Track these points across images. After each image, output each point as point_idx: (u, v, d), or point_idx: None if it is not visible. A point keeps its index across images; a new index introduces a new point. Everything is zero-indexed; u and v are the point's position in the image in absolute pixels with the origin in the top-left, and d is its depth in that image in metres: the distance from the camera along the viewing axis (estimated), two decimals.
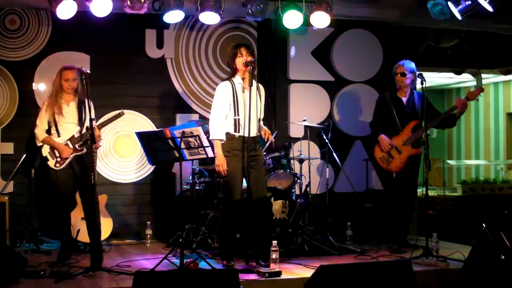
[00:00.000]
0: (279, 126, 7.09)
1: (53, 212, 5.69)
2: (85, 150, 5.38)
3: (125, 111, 5.55)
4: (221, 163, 5.11)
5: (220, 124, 5.18)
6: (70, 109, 5.44)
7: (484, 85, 10.39)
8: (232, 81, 5.25)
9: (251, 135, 5.07)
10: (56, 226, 5.59)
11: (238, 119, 5.17)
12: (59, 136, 5.41)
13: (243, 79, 5.23)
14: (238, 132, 5.18)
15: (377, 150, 6.00)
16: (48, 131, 5.45)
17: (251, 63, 5.08)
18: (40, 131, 5.43)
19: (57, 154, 5.38)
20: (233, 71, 5.26)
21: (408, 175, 5.91)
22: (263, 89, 5.41)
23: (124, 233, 6.76)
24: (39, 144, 5.45)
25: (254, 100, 5.10)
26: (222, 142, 5.15)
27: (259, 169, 5.22)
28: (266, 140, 5.29)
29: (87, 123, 5.32)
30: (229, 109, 5.19)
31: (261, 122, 5.36)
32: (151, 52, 6.94)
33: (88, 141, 5.32)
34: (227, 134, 5.20)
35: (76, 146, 5.39)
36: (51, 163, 5.38)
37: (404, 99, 5.98)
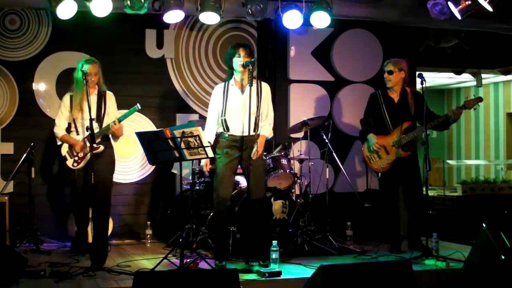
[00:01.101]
0: (278, 126, 7.09)
1: (72, 210, 5.89)
2: (102, 147, 5.35)
3: (139, 106, 5.43)
4: (204, 163, 5.33)
5: (209, 127, 5.32)
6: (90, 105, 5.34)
7: (484, 85, 10.41)
8: (227, 82, 5.31)
9: (242, 135, 5.11)
10: (76, 224, 5.79)
11: (225, 119, 5.21)
12: (77, 134, 5.43)
13: (241, 79, 5.23)
14: (228, 131, 5.21)
15: (365, 149, 5.98)
16: (68, 129, 5.47)
17: (251, 63, 5.07)
18: (59, 130, 5.46)
19: (75, 153, 5.38)
20: (231, 71, 5.28)
21: (406, 177, 5.85)
22: (267, 88, 5.37)
23: (124, 233, 6.76)
24: (59, 143, 5.46)
25: (250, 101, 5.07)
26: (210, 144, 5.20)
27: (256, 170, 5.21)
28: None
29: (105, 120, 5.38)
30: (219, 110, 5.27)
31: (264, 128, 5.29)
32: (151, 52, 6.94)
33: (108, 137, 5.36)
34: (218, 134, 5.29)
35: (94, 144, 5.29)
36: (69, 162, 5.40)
37: (396, 98, 5.91)
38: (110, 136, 5.49)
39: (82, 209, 5.58)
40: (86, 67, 5.30)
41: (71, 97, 5.44)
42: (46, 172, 6.61)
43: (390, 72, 5.85)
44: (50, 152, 6.55)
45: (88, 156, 5.34)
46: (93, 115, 5.28)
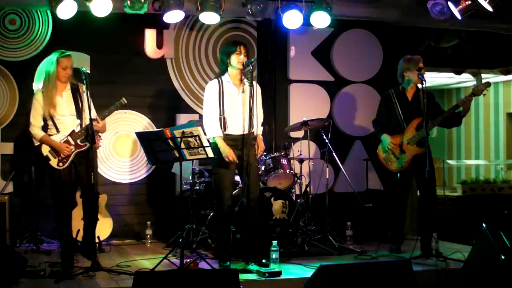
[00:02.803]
0: (278, 126, 7.11)
1: (54, 214, 5.30)
2: (88, 145, 5.13)
3: (125, 100, 5.32)
4: (227, 153, 5.04)
5: (215, 123, 5.15)
6: (64, 101, 5.19)
7: None
8: (220, 79, 5.21)
9: (239, 134, 5.10)
10: (57, 229, 5.31)
11: (224, 117, 5.15)
12: (58, 131, 5.16)
13: (238, 77, 5.20)
14: (225, 130, 5.16)
15: (381, 151, 5.91)
16: (45, 127, 5.18)
17: (251, 63, 5.05)
18: (36, 130, 5.14)
19: (59, 153, 5.15)
20: (225, 68, 5.20)
21: (419, 174, 5.68)
22: (259, 89, 5.32)
23: (124, 233, 6.76)
24: (36, 143, 5.17)
25: (248, 100, 5.06)
26: (222, 137, 5.10)
27: (253, 169, 5.16)
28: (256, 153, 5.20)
29: (86, 115, 5.11)
30: (216, 107, 5.17)
31: (259, 129, 5.28)
32: (151, 52, 6.94)
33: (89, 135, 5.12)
34: None
35: (78, 141, 5.16)
36: (53, 162, 5.13)
37: (410, 97, 5.83)
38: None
39: (68, 213, 5.25)
40: (62, 60, 5.12)
41: (43, 93, 5.16)
42: (45, 172, 6.60)
43: (421, 68, 5.72)
44: None
45: (73, 155, 5.15)
46: (71, 112, 5.16)
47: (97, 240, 5.18)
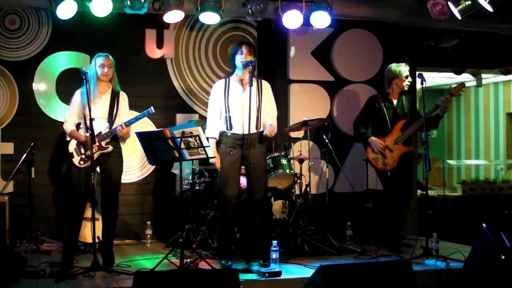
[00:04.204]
0: (278, 126, 7.09)
1: (66, 211, 5.36)
2: (110, 148, 5.21)
3: (153, 109, 5.27)
4: (215, 160, 5.29)
5: (212, 123, 5.31)
6: (101, 103, 5.27)
7: (484, 85, 10.40)
8: (228, 78, 5.32)
9: (246, 133, 5.11)
10: (64, 226, 5.29)
11: (229, 116, 5.22)
12: (87, 131, 5.17)
13: (242, 77, 5.24)
14: (231, 129, 5.22)
15: (369, 152, 6.03)
16: (78, 126, 5.31)
17: (251, 63, 5.08)
18: (67, 125, 5.29)
19: (83, 151, 5.20)
20: (233, 68, 5.30)
21: (403, 174, 5.95)
22: (267, 87, 5.38)
23: (124, 233, 6.75)
24: (68, 138, 5.30)
25: (250, 99, 5.09)
26: (216, 139, 5.30)
27: (257, 170, 5.20)
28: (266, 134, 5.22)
29: (117, 121, 5.26)
30: (221, 107, 5.26)
31: (271, 120, 5.32)
32: (151, 52, 6.94)
33: (117, 137, 5.25)
34: (221, 132, 5.28)
35: (102, 143, 5.20)
36: (76, 160, 5.20)
37: (395, 101, 6.04)
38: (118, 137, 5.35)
39: (79, 214, 5.29)
40: (99, 59, 5.25)
41: (81, 92, 5.26)
42: (46, 172, 6.61)
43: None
44: (50, 152, 6.56)
45: (95, 156, 5.17)
46: (105, 115, 5.25)
47: (97, 240, 5.17)
